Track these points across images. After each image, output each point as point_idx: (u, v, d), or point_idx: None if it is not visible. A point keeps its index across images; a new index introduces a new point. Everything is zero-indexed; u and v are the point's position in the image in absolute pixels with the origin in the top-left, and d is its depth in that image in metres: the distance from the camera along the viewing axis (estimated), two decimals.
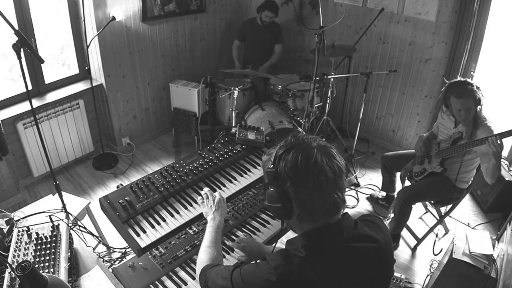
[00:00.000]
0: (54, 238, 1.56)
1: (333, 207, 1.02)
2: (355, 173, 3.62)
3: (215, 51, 4.54)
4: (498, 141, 2.08)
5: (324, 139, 3.94)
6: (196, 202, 1.68)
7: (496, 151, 2.10)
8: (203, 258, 1.30)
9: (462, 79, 2.37)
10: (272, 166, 1.05)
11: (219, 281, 1.11)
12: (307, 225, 1.05)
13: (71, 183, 3.44)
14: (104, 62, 3.42)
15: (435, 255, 2.71)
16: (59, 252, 1.51)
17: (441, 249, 2.76)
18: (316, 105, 3.54)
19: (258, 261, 1.08)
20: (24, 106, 3.08)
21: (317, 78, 3.06)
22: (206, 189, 1.57)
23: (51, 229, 1.61)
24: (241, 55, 4.30)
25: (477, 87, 2.29)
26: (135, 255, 1.57)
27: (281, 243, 1.27)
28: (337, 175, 1.00)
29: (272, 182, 1.05)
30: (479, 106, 2.31)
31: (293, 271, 0.99)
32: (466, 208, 3.26)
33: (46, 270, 1.41)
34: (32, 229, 1.58)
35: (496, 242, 2.46)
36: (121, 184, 1.76)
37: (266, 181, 1.10)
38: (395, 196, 2.90)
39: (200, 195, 1.68)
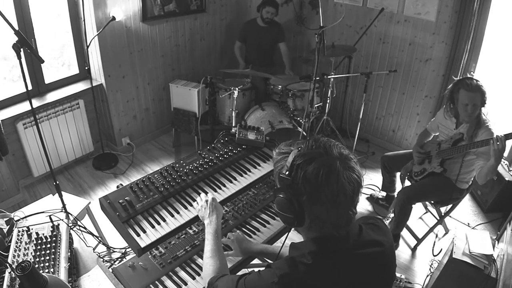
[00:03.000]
0: (54, 238, 1.56)
1: (345, 222, 0.99)
2: None
3: (215, 51, 4.54)
4: (504, 141, 2.07)
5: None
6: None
7: (498, 150, 2.09)
8: (207, 270, 1.28)
9: (472, 76, 2.38)
10: (287, 173, 0.98)
11: None
12: (315, 233, 1.04)
13: (71, 183, 3.44)
14: (104, 62, 3.42)
15: (434, 255, 2.71)
16: (59, 252, 1.51)
17: (441, 249, 2.76)
18: (316, 105, 3.54)
19: (263, 269, 1.06)
20: (24, 106, 3.08)
21: (317, 78, 3.06)
22: (201, 195, 1.56)
23: (51, 229, 1.61)
24: (243, 55, 4.30)
25: (485, 89, 2.30)
26: (135, 255, 1.57)
27: (280, 242, 1.27)
28: (355, 192, 0.95)
29: (285, 190, 0.98)
30: (483, 108, 2.32)
31: (299, 279, 0.96)
32: (466, 208, 3.26)
33: (46, 270, 1.41)
34: (32, 229, 1.58)
35: (496, 242, 2.46)
36: (121, 184, 1.76)
37: (277, 186, 1.04)
38: (395, 196, 2.90)
39: (200, 195, 1.68)
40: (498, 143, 2.08)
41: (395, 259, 1.17)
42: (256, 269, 1.09)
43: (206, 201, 1.49)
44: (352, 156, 0.99)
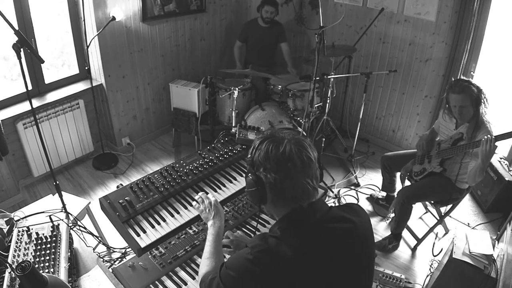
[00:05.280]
0: (54, 238, 1.56)
1: (302, 193, 1.10)
2: (355, 173, 3.62)
3: (215, 51, 4.54)
4: (492, 144, 2.07)
5: (324, 139, 3.96)
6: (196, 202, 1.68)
7: (486, 151, 2.09)
8: (202, 270, 1.32)
9: (462, 77, 2.40)
10: (249, 156, 1.17)
11: (213, 285, 1.16)
12: (282, 210, 1.15)
13: (71, 183, 3.44)
14: (104, 62, 3.42)
15: (434, 256, 2.71)
16: (59, 252, 1.51)
17: (441, 249, 2.76)
18: (316, 105, 3.54)
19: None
20: (24, 106, 3.08)
21: (317, 78, 3.06)
22: (200, 193, 1.57)
23: (51, 229, 1.61)
24: (242, 56, 4.29)
25: (479, 89, 2.29)
26: (135, 255, 1.57)
27: None
28: (306, 163, 1.09)
29: (249, 169, 1.17)
30: (483, 109, 2.31)
31: (268, 249, 1.07)
32: (466, 208, 3.26)
33: (46, 270, 1.41)
34: (32, 229, 1.58)
35: (496, 242, 2.46)
36: (121, 184, 1.77)
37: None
38: (395, 196, 2.90)
39: (199, 194, 1.68)
40: (486, 144, 2.08)
41: (371, 237, 1.22)
42: None
43: (210, 203, 1.51)
44: (305, 140, 1.15)
